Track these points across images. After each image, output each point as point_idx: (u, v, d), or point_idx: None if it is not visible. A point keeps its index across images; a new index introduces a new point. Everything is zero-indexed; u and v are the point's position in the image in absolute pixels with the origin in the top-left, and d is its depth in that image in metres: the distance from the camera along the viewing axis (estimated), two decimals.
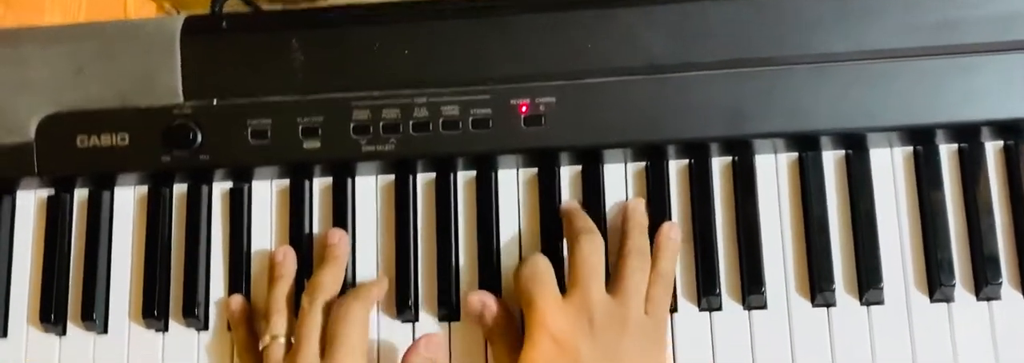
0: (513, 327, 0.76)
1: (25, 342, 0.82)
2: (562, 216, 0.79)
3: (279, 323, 0.78)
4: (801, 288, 0.78)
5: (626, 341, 0.72)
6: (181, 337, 0.82)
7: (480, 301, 0.77)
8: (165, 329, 0.82)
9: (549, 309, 0.73)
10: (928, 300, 0.77)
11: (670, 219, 0.80)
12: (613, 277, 0.76)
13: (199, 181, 0.83)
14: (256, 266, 0.82)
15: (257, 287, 0.82)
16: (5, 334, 0.83)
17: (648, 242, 0.77)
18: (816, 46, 0.77)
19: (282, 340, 0.77)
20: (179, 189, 0.84)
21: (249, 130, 0.79)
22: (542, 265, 0.76)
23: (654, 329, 0.74)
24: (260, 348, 0.78)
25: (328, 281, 0.78)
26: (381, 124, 0.79)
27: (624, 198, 0.81)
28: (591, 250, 0.75)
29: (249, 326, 0.80)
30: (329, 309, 0.77)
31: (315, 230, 0.82)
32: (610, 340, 0.72)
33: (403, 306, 0.79)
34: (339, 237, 0.80)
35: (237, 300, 0.81)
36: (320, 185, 0.83)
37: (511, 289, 0.78)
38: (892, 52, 0.77)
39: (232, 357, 0.81)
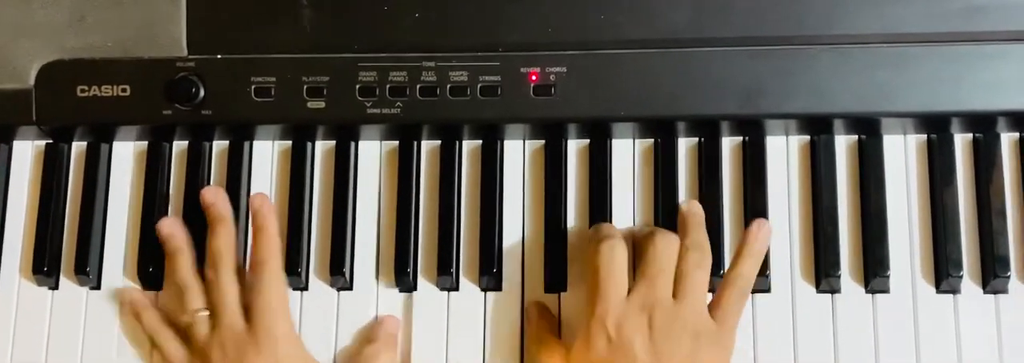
0: (549, 331, 0.76)
1: (16, 294, 0.82)
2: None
3: (195, 298, 0.77)
4: (806, 273, 0.77)
5: (684, 343, 0.70)
6: None
7: (540, 312, 0.77)
8: (159, 287, 0.81)
9: (612, 303, 0.71)
10: (934, 291, 0.77)
11: (677, 199, 0.78)
12: (675, 277, 0.73)
13: (200, 137, 0.82)
14: (252, 228, 0.81)
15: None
16: None
17: (706, 237, 0.75)
18: (837, 27, 0.76)
19: (204, 314, 0.76)
20: (179, 146, 0.83)
21: (253, 87, 0.78)
22: (619, 254, 0.73)
23: (718, 336, 0.72)
24: (183, 326, 0.77)
25: (223, 246, 0.77)
26: (388, 87, 0.78)
27: (632, 174, 0.80)
28: (665, 245, 0.73)
29: (156, 310, 0.79)
30: (238, 275, 0.76)
31: (316, 194, 0.81)
32: (667, 343, 0.70)
33: (401, 275, 0.78)
34: (214, 195, 0.79)
35: (130, 292, 0.80)
36: (322, 148, 0.82)
37: (527, 255, 0.78)
38: (914, 36, 0.76)
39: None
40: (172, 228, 0.79)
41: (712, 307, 0.73)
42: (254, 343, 0.73)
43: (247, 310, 0.75)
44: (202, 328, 0.76)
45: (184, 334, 0.77)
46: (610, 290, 0.72)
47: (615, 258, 0.73)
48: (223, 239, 0.77)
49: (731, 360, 0.73)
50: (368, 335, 0.78)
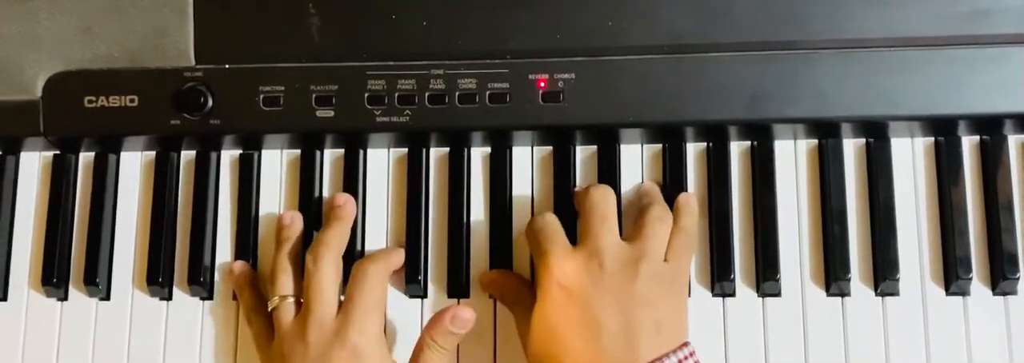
0: (527, 292, 0.75)
1: (25, 306, 0.81)
2: (576, 194, 0.78)
3: (286, 283, 0.77)
4: (816, 277, 0.77)
5: (639, 284, 0.71)
6: (185, 306, 0.81)
7: (491, 279, 0.76)
8: (169, 297, 0.81)
9: (556, 257, 0.72)
10: (944, 293, 0.77)
11: None
12: (633, 228, 0.75)
13: (208, 147, 0.82)
14: (263, 237, 0.81)
15: (264, 257, 0.81)
16: (5, 297, 0.82)
17: (668, 207, 0.76)
18: (842, 31, 0.76)
19: (291, 300, 0.76)
20: (187, 156, 0.83)
21: (261, 96, 0.78)
22: (550, 219, 0.75)
23: (672, 275, 0.73)
24: (269, 309, 0.77)
25: (333, 239, 0.77)
26: (396, 95, 0.77)
27: (640, 180, 0.80)
28: (601, 196, 0.75)
29: (255, 289, 0.79)
30: (335, 268, 0.76)
31: (325, 202, 0.81)
32: (621, 283, 0.71)
33: (412, 281, 0.78)
34: (345, 199, 0.79)
35: (240, 264, 0.80)
36: (331, 157, 0.82)
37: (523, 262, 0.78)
38: (920, 40, 0.76)
39: (237, 326, 0.80)
40: (293, 220, 0.79)
41: (665, 253, 0.74)
42: (340, 340, 0.72)
43: (345, 302, 0.75)
44: (288, 315, 0.75)
45: (270, 319, 0.77)
46: (551, 245, 0.72)
47: (547, 222, 0.74)
48: (336, 234, 0.77)
49: (685, 305, 0.74)
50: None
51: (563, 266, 0.71)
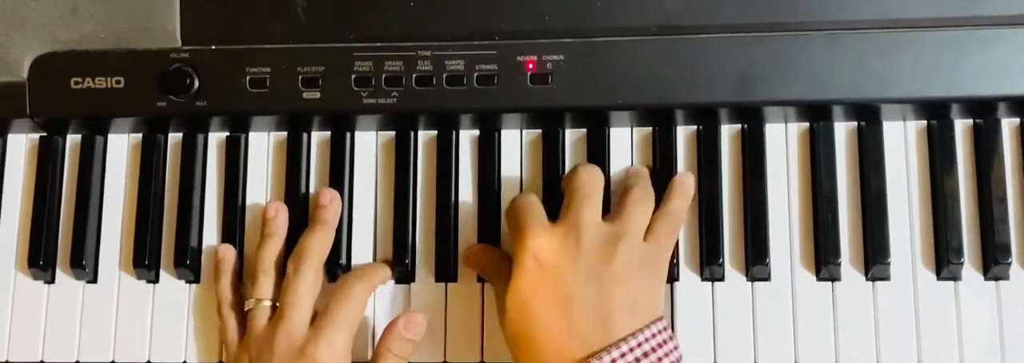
0: (507, 266, 0.74)
1: (12, 289, 0.81)
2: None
3: (266, 286, 0.77)
4: (806, 261, 0.77)
5: (616, 264, 0.70)
6: (172, 289, 0.80)
7: (473, 253, 0.77)
8: (156, 280, 0.81)
9: (533, 232, 0.71)
10: (935, 278, 0.76)
11: None
12: (614, 209, 0.74)
13: (195, 129, 0.82)
14: (250, 219, 0.81)
15: (250, 244, 0.80)
16: None
17: (652, 190, 0.76)
18: (833, 13, 0.76)
19: (267, 303, 0.76)
20: (174, 137, 0.82)
21: (248, 78, 0.78)
22: (530, 198, 0.75)
23: (651, 256, 0.73)
24: (245, 310, 0.77)
25: (316, 246, 0.76)
26: (383, 76, 0.77)
27: (630, 163, 0.79)
28: (588, 176, 0.74)
29: (232, 283, 0.78)
30: (316, 276, 0.76)
31: (311, 185, 0.81)
32: (597, 261, 0.70)
33: (399, 265, 0.78)
34: (330, 198, 0.78)
35: (225, 249, 0.79)
36: (318, 139, 0.81)
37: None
38: (911, 21, 0.75)
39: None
40: (277, 212, 0.79)
41: (646, 235, 0.73)
42: (307, 354, 0.72)
43: (320, 315, 0.74)
44: (262, 318, 0.75)
45: (245, 317, 0.76)
46: (529, 221, 0.72)
47: (528, 200, 0.74)
48: (319, 240, 0.77)
49: (663, 283, 0.74)
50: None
51: (539, 240, 0.71)
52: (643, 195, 0.74)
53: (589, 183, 0.74)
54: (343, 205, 0.79)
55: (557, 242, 0.71)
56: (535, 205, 0.74)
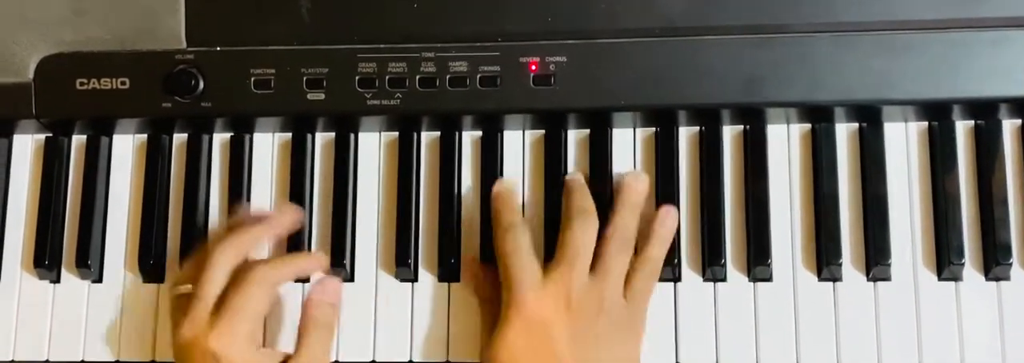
0: (498, 294, 0.74)
1: (18, 288, 0.82)
2: (564, 188, 0.78)
3: (188, 272, 0.76)
4: (808, 261, 0.77)
5: (600, 323, 0.71)
6: None
7: (471, 270, 0.77)
8: (160, 280, 0.81)
9: (526, 288, 0.72)
10: (936, 278, 0.76)
11: (678, 187, 0.78)
12: (595, 258, 0.74)
13: (200, 130, 0.82)
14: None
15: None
16: None
17: (635, 223, 0.75)
18: (837, 14, 0.76)
19: (186, 288, 0.74)
20: (179, 138, 0.83)
21: (252, 79, 0.78)
22: (524, 241, 0.74)
23: (629, 315, 0.73)
24: (170, 295, 0.76)
25: (245, 237, 0.75)
26: (387, 78, 0.77)
27: (632, 164, 0.80)
28: (583, 231, 0.74)
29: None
30: (231, 265, 0.74)
31: (316, 186, 0.81)
32: (585, 322, 0.71)
33: (402, 265, 0.78)
34: (288, 209, 0.78)
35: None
36: (322, 140, 0.82)
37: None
38: (914, 23, 0.75)
39: None
40: (251, 216, 0.78)
41: (624, 289, 0.74)
42: (200, 343, 0.71)
43: (221, 305, 0.73)
44: (180, 304, 0.75)
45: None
46: (522, 276, 0.72)
47: (520, 245, 0.73)
48: (252, 232, 0.76)
49: (642, 341, 0.74)
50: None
51: (531, 299, 0.71)
52: (622, 246, 0.74)
53: (584, 237, 0.74)
54: (347, 205, 0.80)
55: (548, 301, 0.71)
56: (527, 251, 0.73)
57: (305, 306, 0.75)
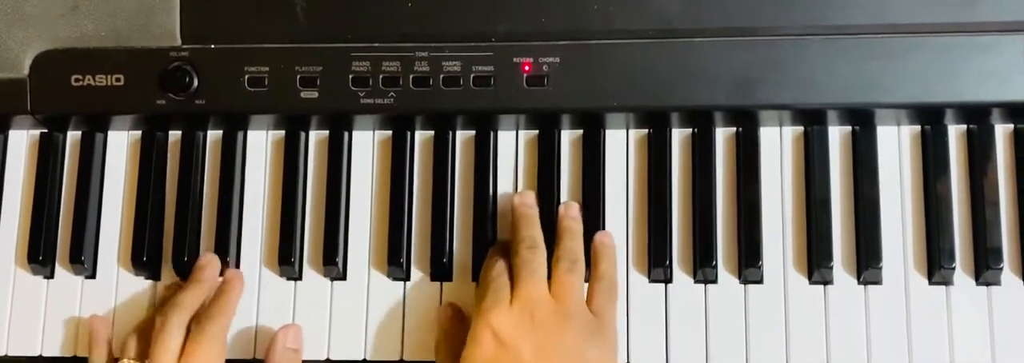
0: (463, 337, 0.75)
1: (12, 283, 0.82)
2: (513, 215, 0.78)
3: (134, 344, 0.77)
4: (799, 264, 0.77)
5: (569, 336, 0.72)
6: None
7: (445, 314, 0.78)
8: (155, 277, 0.81)
9: (494, 308, 0.72)
10: (927, 282, 0.76)
11: (671, 189, 0.79)
12: (550, 281, 0.75)
13: (194, 127, 0.82)
14: (246, 218, 0.81)
15: (244, 239, 0.81)
16: None
17: (580, 246, 0.76)
18: (831, 17, 0.76)
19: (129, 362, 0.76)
20: (173, 135, 0.83)
21: (246, 77, 0.78)
22: (499, 270, 0.75)
23: (599, 325, 0.73)
24: None
25: (186, 300, 0.76)
26: (381, 77, 0.77)
27: (625, 165, 0.80)
28: (529, 258, 0.75)
29: (109, 350, 0.79)
30: (180, 331, 0.75)
31: (309, 184, 0.81)
32: (551, 335, 0.72)
33: (395, 264, 0.78)
34: (207, 261, 0.79)
35: (95, 321, 0.79)
36: (316, 138, 0.82)
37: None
38: (908, 27, 0.76)
39: None
40: (209, 263, 0.79)
41: (587, 303, 0.74)
42: None
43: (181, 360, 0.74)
44: None
45: None
46: (494, 297, 0.73)
47: (497, 274, 0.75)
48: (191, 293, 0.77)
49: (617, 348, 0.74)
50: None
51: (499, 317, 0.72)
52: (570, 265, 0.75)
53: (532, 263, 0.74)
54: (340, 205, 0.80)
55: (514, 319, 0.72)
56: (502, 282, 0.74)
57: (269, 352, 0.77)
